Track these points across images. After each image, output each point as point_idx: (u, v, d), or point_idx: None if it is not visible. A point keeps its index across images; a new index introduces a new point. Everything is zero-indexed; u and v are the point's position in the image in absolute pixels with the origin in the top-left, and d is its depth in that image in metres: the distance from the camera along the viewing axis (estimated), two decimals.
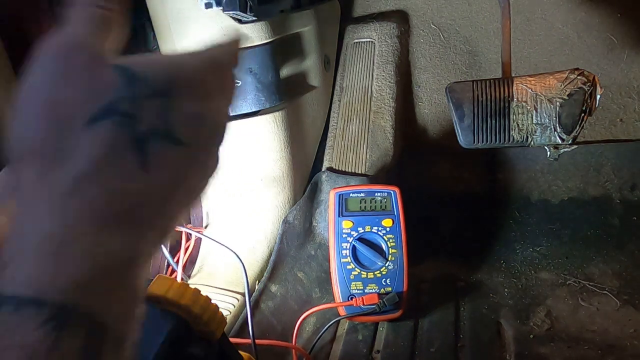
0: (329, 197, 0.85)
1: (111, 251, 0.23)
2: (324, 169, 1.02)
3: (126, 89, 0.24)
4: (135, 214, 0.24)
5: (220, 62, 0.32)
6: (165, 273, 0.85)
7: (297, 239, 0.93)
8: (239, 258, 0.73)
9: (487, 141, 0.75)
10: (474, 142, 0.75)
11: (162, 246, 0.76)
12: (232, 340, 0.66)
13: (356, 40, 1.10)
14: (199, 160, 0.28)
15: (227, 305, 0.80)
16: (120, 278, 0.23)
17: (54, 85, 0.24)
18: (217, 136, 0.30)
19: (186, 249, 0.85)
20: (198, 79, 0.29)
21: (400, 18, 1.11)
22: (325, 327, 0.78)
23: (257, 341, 0.67)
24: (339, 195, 0.84)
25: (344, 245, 0.82)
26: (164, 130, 0.25)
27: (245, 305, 0.80)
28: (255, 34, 0.80)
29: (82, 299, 0.21)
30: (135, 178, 0.24)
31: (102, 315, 0.22)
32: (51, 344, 0.20)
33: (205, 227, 0.93)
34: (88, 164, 0.23)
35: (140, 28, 0.80)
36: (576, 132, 0.72)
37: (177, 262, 0.84)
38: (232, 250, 0.73)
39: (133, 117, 0.24)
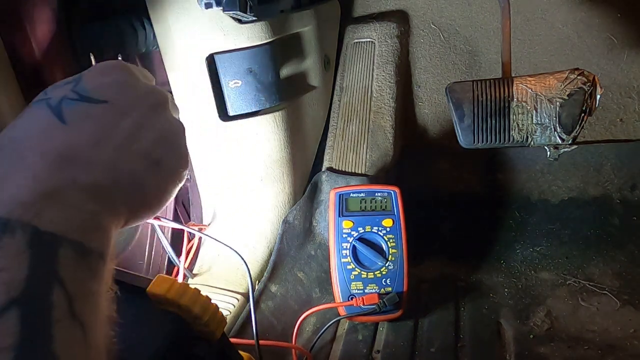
0: (330, 197, 0.86)
1: (42, 180, 0.30)
2: (324, 169, 1.02)
3: (42, 92, 0.35)
4: (64, 154, 0.31)
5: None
6: (170, 274, 0.85)
7: (297, 239, 0.93)
8: (242, 258, 0.73)
9: (487, 141, 0.75)
10: (474, 142, 0.75)
11: (167, 245, 0.76)
12: (234, 340, 0.67)
13: (356, 40, 1.10)
14: (129, 114, 0.36)
15: (227, 305, 0.80)
16: (58, 202, 0.29)
17: None
18: (147, 99, 0.38)
19: (189, 250, 0.85)
20: (103, 66, 0.38)
21: (400, 18, 1.11)
22: (325, 327, 0.78)
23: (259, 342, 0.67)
24: (339, 195, 0.84)
25: (344, 245, 0.82)
26: (73, 94, 0.34)
27: (245, 306, 0.80)
28: (255, 34, 0.80)
29: (16, 213, 0.28)
30: (56, 131, 0.32)
31: (46, 226, 0.28)
32: None
33: (208, 225, 0.93)
34: (18, 131, 0.33)
35: (140, 28, 0.80)
36: (576, 132, 0.72)
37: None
38: (235, 251, 0.73)
39: (45, 99, 0.34)
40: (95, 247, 0.30)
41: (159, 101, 0.39)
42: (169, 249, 0.76)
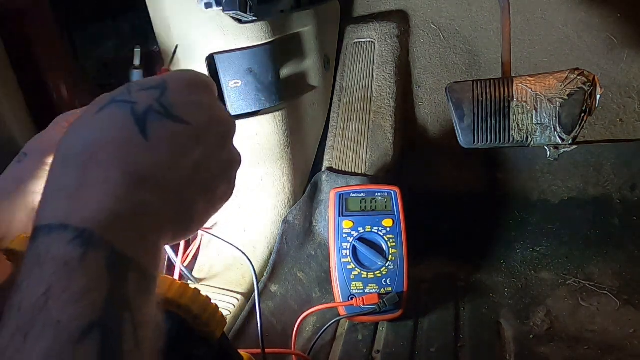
0: (330, 197, 0.86)
1: (120, 199, 0.29)
2: (324, 169, 1.02)
3: (126, 90, 0.33)
4: (141, 174, 0.31)
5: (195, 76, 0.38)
6: (171, 274, 0.85)
7: (297, 239, 0.93)
8: (248, 257, 0.73)
9: (487, 141, 0.75)
10: (474, 142, 0.75)
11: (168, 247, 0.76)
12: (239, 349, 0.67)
13: (356, 40, 1.10)
14: (202, 141, 0.34)
15: (227, 305, 0.80)
16: (131, 224, 0.29)
17: None
18: (220, 126, 0.37)
19: (187, 250, 0.85)
20: (188, 79, 0.36)
21: (400, 18, 1.11)
22: (325, 327, 0.78)
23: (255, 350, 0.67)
24: (340, 195, 0.84)
25: (344, 245, 0.82)
26: (159, 107, 0.32)
27: (244, 306, 0.80)
28: (255, 34, 0.80)
29: (98, 229, 0.27)
30: (137, 146, 0.31)
31: (121, 247, 0.28)
32: (80, 256, 0.26)
33: (211, 227, 0.93)
34: (95, 134, 0.31)
35: (140, 28, 0.80)
36: (576, 132, 0.72)
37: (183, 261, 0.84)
38: (241, 251, 0.73)
39: (130, 101, 0.32)
40: (153, 273, 0.30)
41: (228, 131, 0.38)
42: (169, 251, 0.76)
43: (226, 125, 0.38)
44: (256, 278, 0.72)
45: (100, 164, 0.30)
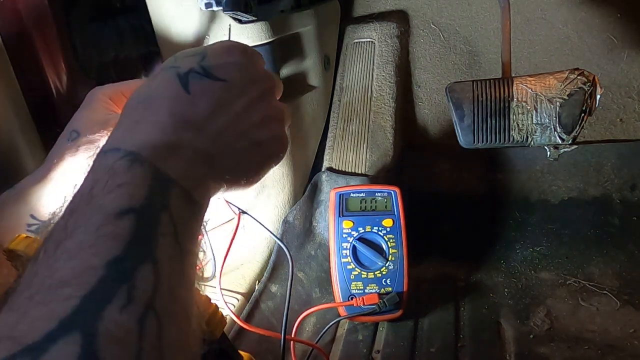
0: (330, 197, 0.86)
1: (165, 133, 0.35)
2: (324, 169, 1.02)
3: (173, 58, 0.41)
4: (184, 119, 0.37)
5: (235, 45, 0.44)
6: None
7: (297, 239, 0.93)
8: (280, 241, 0.72)
9: (487, 141, 0.75)
10: (474, 142, 0.75)
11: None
12: (265, 332, 0.69)
13: (356, 40, 1.10)
14: (248, 93, 0.41)
15: (227, 305, 0.80)
16: (174, 153, 0.35)
17: None
18: (258, 83, 0.42)
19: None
20: (225, 46, 0.43)
21: (400, 18, 1.11)
22: (326, 328, 0.78)
23: (287, 337, 0.67)
24: (340, 195, 0.84)
25: (344, 245, 0.82)
26: (198, 68, 0.39)
27: (244, 306, 0.80)
28: (255, 34, 0.80)
29: (144, 152, 0.33)
30: (179, 96, 0.38)
31: (164, 169, 0.34)
32: (126, 167, 0.32)
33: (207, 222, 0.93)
34: (150, 90, 0.39)
35: (140, 28, 0.80)
36: (576, 132, 0.72)
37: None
38: (272, 233, 0.72)
39: (175, 67, 0.40)
40: (198, 199, 0.36)
41: (268, 87, 0.43)
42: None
43: (265, 81, 0.43)
44: (292, 266, 0.72)
45: (151, 109, 0.37)
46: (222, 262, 0.71)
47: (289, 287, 0.68)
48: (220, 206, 0.69)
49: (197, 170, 0.37)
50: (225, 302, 0.76)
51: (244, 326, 0.70)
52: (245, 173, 0.42)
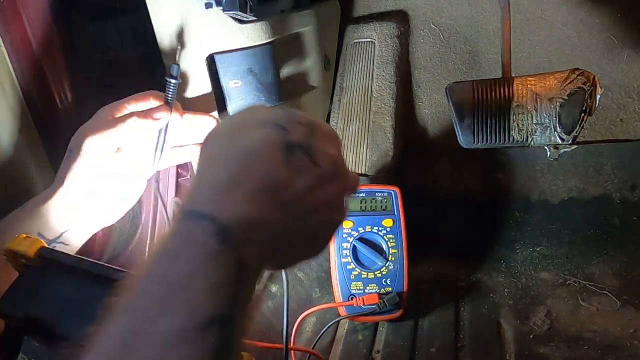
0: None
1: (260, 210, 0.33)
2: None
3: (286, 116, 0.38)
4: (278, 196, 0.35)
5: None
6: None
7: None
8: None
9: (487, 141, 0.75)
10: (474, 142, 0.75)
11: None
12: (265, 345, 0.69)
13: (356, 40, 1.10)
14: (329, 188, 0.39)
15: None
16: (257, 232, 0.33)
17: None
18: (341, 179, 0.41)
19: None
20: (329, 132, 0.41)
21: (400, 18, 1.11)
22: (326, 328, 0.78)
23: (288, 347, 0.68)
24: None
25: (344, 245, 0.82)
26: (306, 145, 0.37)
27: None
28: (255, 34, 0.80)
29: (238, 230, 0.32)
30: (281, 169, 0.35)
31: (246, 254, 0.32)
32: (217, 249, 0.30)
33: None
34: (251, 145, 0.35)
35: (140, 29, 0.80)
36: (576, 132, 0.72)
37: None
38: None
39: (286, 129, 0.37)
40: (255, 286, 0.35)
41: (348, 185, 0.42)
42: None
43: (348, 179, 0.42)
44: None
45: (248, 172, 0.34)
46: None
47: (285, 294, 0.68)
48: None
49: (266, 257, 0.36)
50: None
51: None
52: (286, 262, 0.42)
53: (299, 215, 0.37)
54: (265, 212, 0.34)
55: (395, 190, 0.84)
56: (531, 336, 0.79)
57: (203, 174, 0.35)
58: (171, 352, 0.27)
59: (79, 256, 0.43)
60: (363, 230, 0.82)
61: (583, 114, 0.71)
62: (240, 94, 0.82)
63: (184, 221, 0.32)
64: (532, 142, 0.74)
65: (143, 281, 0.30)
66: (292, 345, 0.74)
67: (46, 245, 0.42)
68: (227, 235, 0.31)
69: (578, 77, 0.71)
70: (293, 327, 0.76)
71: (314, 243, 0.41)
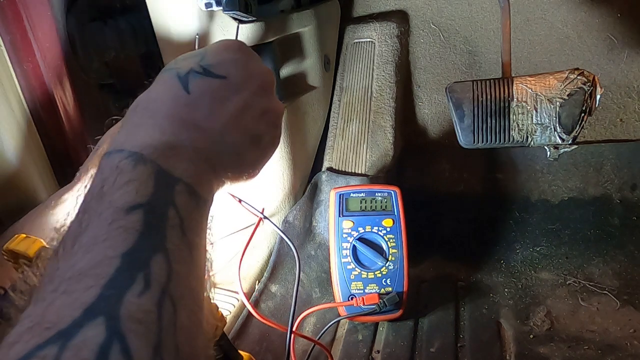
0: (330, 197, 0.86)
1: (165, 133, 0.37)
2: (324, 169, 1.02)
3: (173, 61, 0.42)
4: (184, 119, 0.38)
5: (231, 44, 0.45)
6: None
7: (297, 239, 0.93)
8: (287, 238, 0.73)
9: (487, 141, 0.75)
10: (474, 142, 0.75)
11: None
12: (271, 323, 0.70)
13: (356, 40, 1.10)
14: (243, 93, 0.41)
15: (227, 305, 0.80)
16: (175, 152, 0.36)
17: None
18: (256, 78, 0.43)
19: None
20: (223, 44, 0.44)
21: (400, 18, 1.11)
22: (326, 327, 0.78)
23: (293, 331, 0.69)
24: (340, 195, 0.84)
25: (345, 245, 0.82)
26: (198, 67, 0.40)
27: (245, 306, 0.80)
28: (255, 34, 0.80)
29: (147, 152, 0.34)
30: (179, 95, 0.39)
31: (167, 167, 0.35)
32: (131, 166, 0.34)
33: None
34: (153, 92, 0.40)
35: (140, 28, 0.80)
36: (576, 132, 0.72)
37: None
38: (283, 233, 0.73)
39: (175, 68, 0.41)
40: (202, 194, 0.37)
41: (266, 81, 0.44)
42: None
43: (263, 77, 0.44)
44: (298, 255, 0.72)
45: (151, 112, 0.38)
46: (239, 262, 0.72)
47: (296, 282, 0.69)
48: (239, 210, 0.71)
49: (200, 168, 0.38)
50: (246, 294, 0.76)
51: (254, 314, 0.71)
52: (246, 168, 0.43)
53: (224, 127, 0.40)
54: (173, 135, 0.37)
55: (395, 190, 0.84)
56: (531, 336, 0.79)
57: (118, 131, 0.38)
58: (111, 225, 0.31)
59: None
60: (363, 230, 0.82)
61: (583, 114, 0.71)
62: None
63: (101, 161, 0.35)
64: (532, 142, 0.74)
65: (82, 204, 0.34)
66: (292, 345, 0.74)
67: (46, 246, 0.42)
68: (139, 157, 0.34)
69: (578, 77, 0.71)
70: (293, 327, 0.76)
71: (261, 144, 0.44)
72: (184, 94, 0.39)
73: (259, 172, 0.45)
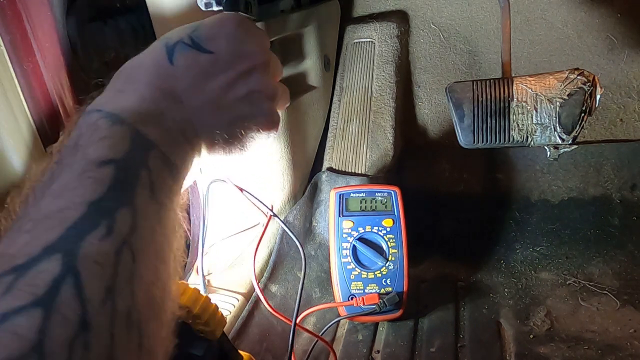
0: (330, 197, 0.86)
1: (144, 100, 0.37)
2: (324, 169, 1.02)
3: (169, 31, 0.42)
4: (165, 89, 0.38)
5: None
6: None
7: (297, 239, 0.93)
8: (289, 231, 0.73)
9: (487, 141, 0.75)
10: (474, 142, 0.75)
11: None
12: (277, 314, 0.72)
13: (356, 40, 1.10)
14: (228, 68, 0.40)
15: (227, 305, 0.80)
16: (153, 119, 0.36)
17: None
18: (247, 56, 0.42)
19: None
20: (219, 19, 0.43)
21: (400, 18, 1.11)
22: (326, 327, 0.78)
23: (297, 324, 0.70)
24: (340, 195, 0.84)
25: (345, 245, 0.82)
26: (188, 39, 0.40)
27: (245, 306, 0.80)
28: None
29: (124, 115, 0.35)
30: (163, 65, 0.39)
31: (143, 131, 0.35)
32: (108, 125, 0.34)
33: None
34: (142, 58, 0.40)
35: (140, 28, 0.80)
36: (576, 132, 0.72)
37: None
38: (287, 228, 0.73)
39: (166, 37, 0.41)
40: (176, 162, 0.37)
41: (260, 62, 0.43)
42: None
43: (257, 56, 0.42)
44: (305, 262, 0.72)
45: (134, 79, 0.38)
46: (253, 257, 0.72)
47: (302, 277, 0.69)
48: (249, 208, 0.71)
49: (175, 138, 0.38)
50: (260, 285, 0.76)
51: (264, 301, 0.73)
52: (228, 143, 0.42)
53: (204, 103, 0.39)
54: (152, 104, 0.37)
55: (395, 190, 0.84)
56: (531, 336, 0.79)
57: (100, 94, 0.39)
58: (82, 175, 0.31)
59: None
60: (363, 230, 0.82)
61: (583, 114, 0.71)
62: None
63: (80, 118, 0.35)
64: (532, 142, 0.74)
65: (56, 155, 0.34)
66: (291, 345, 0.74)
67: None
68: (116, 117, 0.34)
69: (578, 77, 0.71)
70: (297, 319, 0.76)
71: (246, 124, 0.42)
72: (167, 64, 0.39)
73: (245, 149, 0.44)
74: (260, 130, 0.44)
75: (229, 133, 0.41)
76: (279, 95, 0.46)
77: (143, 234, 0.32)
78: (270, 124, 0.44)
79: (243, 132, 0.43)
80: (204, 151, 0.41)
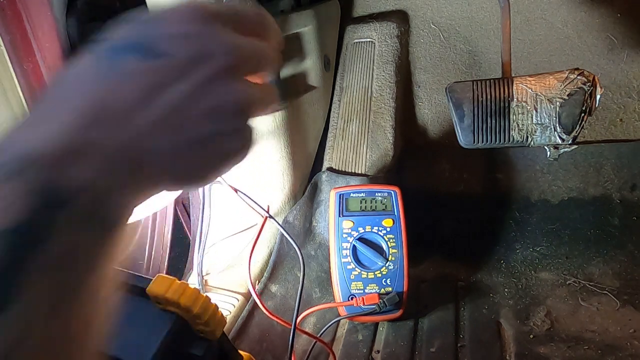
0: (330, 197, 0.86)
1: (71, 129, 0.28)
2: (324, 169, 1.02)
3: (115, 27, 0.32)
4: (106, 114, 0.28)
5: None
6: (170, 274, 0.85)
7: (297, 239, 0.93)
8: (286, 231, 0.73)
9: (487, 141, 0.75)
10: (474, 142, 0.75)
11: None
12: (276, 318, 0.71)
13: (356, 40, 1.10)
14: (187, 76, 0.30)
15: (227, 305, 0.80)
16: (76, 158, 0.27)
17: None
18: (213, 59, 0.31)
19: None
20: (184, 8, 0.32)
21: (400, 18, 1.11)
22: (325, 327, 0.78)
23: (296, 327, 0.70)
24: (340, 195, 0.84)
25: (345, 245, 0.82)
26: (137, 42, 0.30)
27: (245, 306, 0.80)
28: None
29: (36, 159, 0.26)
30: (103, 83, 0.29)
31: (61, 182, 0.26)
32: (4, 180, 0.25)
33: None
34: (69, 70, 0.30)
35: None
36: (576, 132, 0.72)
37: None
38: (286, 232, 0.73)
39: (112, 38, 0.31)
40: (111, 213, 0.29)
41: (224, 65, 0.31)
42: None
43: (229, 58, 0.32)
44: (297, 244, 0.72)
45: (63, 98, 0.29)
46: (249, 258, 0.72)
47: (301, 279, 0.69)
48: (245, 210, 0.71)
49: (113, 174, 0.29)
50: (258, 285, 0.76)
51: (261, 305, 0.73)
52: (188, 173, 0.32)
53: (152, 124, 0.30)
54: (79, 135, 0.28)
55: (395, 190, 0.84)
56: (531, 336, 0.79)
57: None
58: None
59: None
60: (363, 230, 0.82)
61: (583, 114, 0.71)
62: None
63: None
64: (532, 142, 0.74)
65: None
66: (291, 345, 0.74)
67: None
68: (17, 165, 0.26)
69: (578, 77, 0.71)
70: (297, 321, 0.76)
71: (208, 148, 0.32)
72: (109, 75, 0.29)
73: (211, 178, 0.34)
74: (231, 153, 0.33)
75: (189, 160, 0.31)
76: (256, 102, 0.34)
77: (37, 347, 0.24)
78: (243, 143, 0.34)
79: (208, 157, 0.32)
80: (157, 185, 0.32)
